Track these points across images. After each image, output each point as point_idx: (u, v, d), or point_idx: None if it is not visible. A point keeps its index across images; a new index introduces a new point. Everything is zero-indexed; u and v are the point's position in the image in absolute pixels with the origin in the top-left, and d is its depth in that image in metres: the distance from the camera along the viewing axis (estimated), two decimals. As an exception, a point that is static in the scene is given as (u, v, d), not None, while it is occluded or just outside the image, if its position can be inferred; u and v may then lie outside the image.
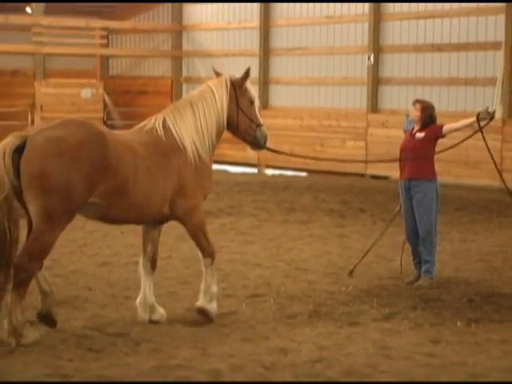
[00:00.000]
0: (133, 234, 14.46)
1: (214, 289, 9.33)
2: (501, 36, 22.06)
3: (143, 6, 31.40)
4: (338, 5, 25.73)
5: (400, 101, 24.24)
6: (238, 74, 9.74)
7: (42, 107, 26.92)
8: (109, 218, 9.08)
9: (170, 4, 30.46)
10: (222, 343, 8.36)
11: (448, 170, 22.53)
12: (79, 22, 29.33)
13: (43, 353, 7.93)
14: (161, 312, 9.30)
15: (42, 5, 27.73)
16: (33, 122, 26.74)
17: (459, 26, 23.14)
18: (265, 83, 27.61)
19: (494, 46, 22.27)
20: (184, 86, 30.51)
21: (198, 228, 9.39)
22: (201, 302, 9.24)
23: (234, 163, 27.69)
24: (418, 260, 11.27)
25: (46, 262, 11.88)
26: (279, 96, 27.54)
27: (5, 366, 7.50)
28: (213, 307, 9.26)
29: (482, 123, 11.20)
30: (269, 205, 18.41)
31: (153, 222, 9.41)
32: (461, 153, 22.21)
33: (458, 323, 9.15)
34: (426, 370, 7.59)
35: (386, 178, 22.87)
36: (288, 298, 10.27)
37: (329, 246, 13.76)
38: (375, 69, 24.84)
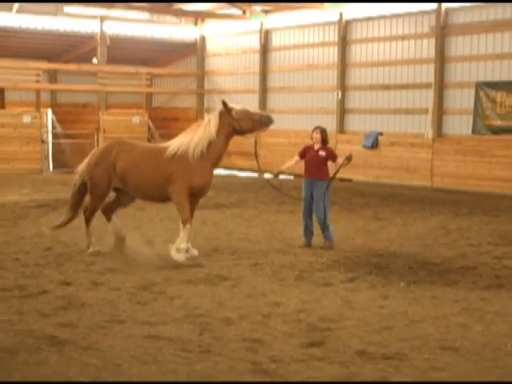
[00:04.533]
0: (169, 220, 14.46)
1: (182, 245, 10.15)
2: (431, 79, 22.07)
3: (177, 57, 31.47)
4: (316, 56, 25.76)
5: (359, 125, 24.24)
6: (243, 105, 10.45)
7: (104, 130, 26.91)
8: (131, 194, 10.83)
9: (195, 56, 30.46)
10: (233, 298, 8.35)
11: (394, 175, 22.54)
12: (131, 69, 29.31)
13: (104, 305, 7.94)
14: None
15: (104, 57, 27.73)
16: (98, 140, 26.78)
17: (401, 71, 23.15)
18: (263, 112, 27.58)
19: (427, 85, 22.27)
20: (205, 115, 30.44)
21: (177, 205, 10.34)
22: (171, 253, 10.12)
23: (241, 169, 27.70)
24: (309, 232, 11.89)
25: (106, 240, 11.93)
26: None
27: (77, 315, 7.51)
28: (178, 256, 10.09)
29: (347, 162, 11.77)
30: (266, 199, 18.39)
31: (162, 200, 10.72)
32: (403, 162, 22.29)
33: (401, 284, 9.13)
34: (378, 318, 7.59)
35: (349, 180, 22.83)
36: (280, 266, 10.26)
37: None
38: (342, 102, 24.79)
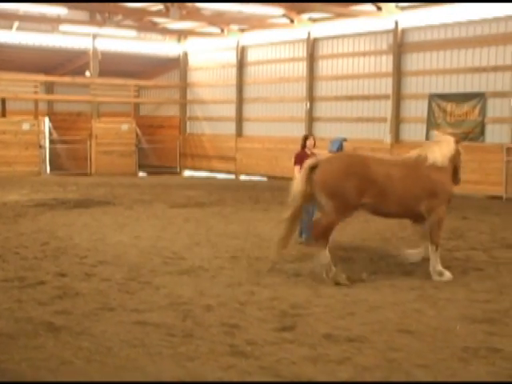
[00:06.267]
0: (154, 217, 14.40)
1: (439, 267, 8.99)
2: (389, 91, 22.21)
3: (162, 70, 31.36)
4: (286, 70, 25.81)
5: (326, 132, 24.27)
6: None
7: (96, 136, 26.75)
8: (378, 213, 9.23)
9: (178, 69, 30.38)
10: (213, 288, 8.32)
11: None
12: (120, 81, 29.17)
13: (96, 295, 7.88)
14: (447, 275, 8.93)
15: (96, 71, 27.62)
16: (90, 145, 26.60)
17: (363, 84, 23.26)
18: (240, 120, 27.56)
19: (385, 97, 22.40)
20: (188, 123, 30.46)
21: (435, 222, 9.06)
22: (433, 278, 8.91)
23: (220, 172, 27.72)
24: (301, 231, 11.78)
25: (98, 235, 11.88)
26: (249, 128, 27.48)
27: (72, 303, 7.46)
28: (443, 278, 8.88)
29: None
30: (242, 199, 18.39)
31: (412, 218, 9.34)
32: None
33: (364, 274, 9.14)
34: (343, 304, 7.60)
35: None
36: (255, 258, 10.25)
37: (281, 225, 13.66)
38: (310, 111, 24.86)
